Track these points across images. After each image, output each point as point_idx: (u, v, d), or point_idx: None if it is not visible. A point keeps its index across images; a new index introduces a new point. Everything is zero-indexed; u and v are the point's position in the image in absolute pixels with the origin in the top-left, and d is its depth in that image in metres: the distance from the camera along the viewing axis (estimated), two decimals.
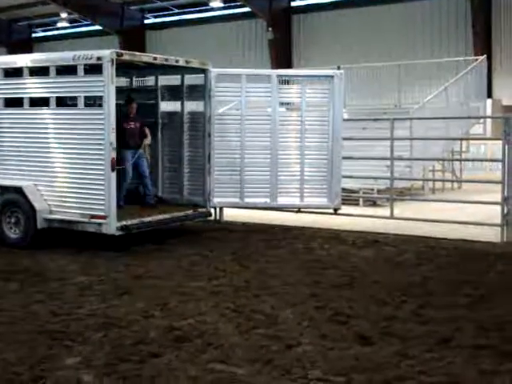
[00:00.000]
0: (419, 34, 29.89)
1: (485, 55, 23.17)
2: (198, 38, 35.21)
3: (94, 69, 10.26)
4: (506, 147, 11.38)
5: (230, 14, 35.96)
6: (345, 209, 12.84)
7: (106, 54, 10.01)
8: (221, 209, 13.19)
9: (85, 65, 10.27)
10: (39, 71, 10.90)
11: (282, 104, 13.24)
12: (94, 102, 10.97)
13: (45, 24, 42.82)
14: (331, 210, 12.64)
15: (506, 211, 11.35)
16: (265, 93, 12.50)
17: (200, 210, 12.02)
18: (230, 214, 13.31)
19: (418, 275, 8.80)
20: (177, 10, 37.99)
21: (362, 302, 7.43)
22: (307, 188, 12.39)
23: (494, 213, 11.61)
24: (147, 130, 12.17)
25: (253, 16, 34.08)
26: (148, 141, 12.17)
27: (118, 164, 11.10)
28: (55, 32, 43.17)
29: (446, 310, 7.12)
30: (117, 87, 10.28)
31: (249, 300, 7.55)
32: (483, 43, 27.85)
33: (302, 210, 13.13)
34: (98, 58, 10.04)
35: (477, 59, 22.31)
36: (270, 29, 32.90)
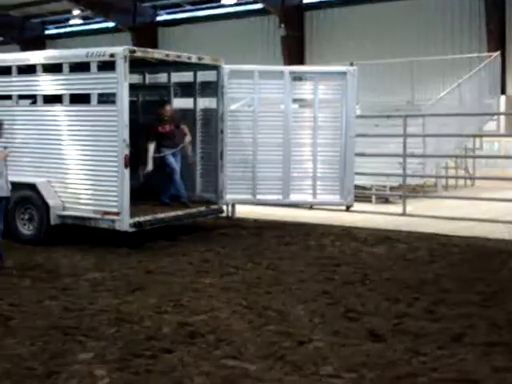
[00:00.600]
0: (432, 31, 29.70)
1: (498, 52, 23.03)
2: (210, 35, 35.19)
3: (107, 66, 10.29)
4: None
5: (242, 11, 35.89)
6: (357, 206, 12.83)
7: (119, 50, 10.04)
8: (233, 205, 13.21)
9: (98, 62, 10.30)
10: (52, 68, 10.95)
11: (294, 101, 13.24)
12: (107, 98, 11.00)
13: (57, 21, 42.90)
14: (344, 207, 12.62)
15: None
16: (277, 89, 12.48)
17: (212, 206, 12.05)
18: (242, 211, 13.33)
19: (431, 272, 8.78)
20: (189, 7, 37.96)
21: (374, 299, 7.43)
22: (320, 185, 12.38)
23: (508, 210, 11.57)
24: (186, 129, 12.13)
25: (265, 12, 34.00)
26: (188, 139, 12.11)
27: (160, 167, 11.61)
28: (68, 29, 43.26)
29: (458, 307, 7.10)
30: (130, 84, 10.32)
31: (261, 296, 7.57)
32: (497, 40, 27.64)
33: (315, 206, 13.13)
34: (111, 55, 10.07)
35: (490, 56, 22.18)
36: (282, 25, 32.80)
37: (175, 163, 11.97)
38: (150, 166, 11.68)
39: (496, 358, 5.55)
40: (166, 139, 11.95)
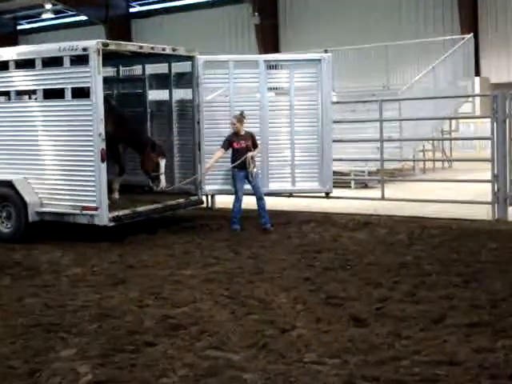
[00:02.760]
0: (406, 14, 29.85)
1: (471, 34, 23.18)
2: (184, 25, 35.05)
3: (81, 60, 10.21)
4: (495, 125, 11.39)
5: (215, 0, 35.77)
6: (336, 192, 12.84)
7: (92, 44, 9.94)
8: (213, 196, 13.19)
9: (71, 56, 10.21)
10: (25, 64, 10.84)
11: (270, 89, 13.20)
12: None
13: (30, 16, 42.54)
14: (323, 194, 12.63)
15: (496, 189, 11.38)
16: (253, 78, 12.43)
17: (192, 198, 12.00)
18: (222, 201, 13.29)
19: (411, 255, 8.83)
20: None
21: (356, 284, 7.47)
22: (298, 173, 12.36)
23: (485, 191, 11.65)
24: (257, 142, 11.45)
25: (238, 1, 33.93)
26: (254, 153, 11.22)
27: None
28: (40, 24, 42.91)
29: (439, 289, 7.16)
30: (104, 77, 10.24)
31: (243, 286, 7.57)
32: (470, 22, 27.82)
33: (294, 194, 13.14)
34: (84, 49, 9.98)
35: (463, 38, 22.31)
36: (256, 13, 32.75)
37: (241, 197, 11.16)
38: (163, 183, 11.24)
39: (477, 338, 5.60)
40: (240, 157, 11.07)
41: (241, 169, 11.12)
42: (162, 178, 11.26)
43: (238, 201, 11.22)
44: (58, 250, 9.84)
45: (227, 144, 11.24)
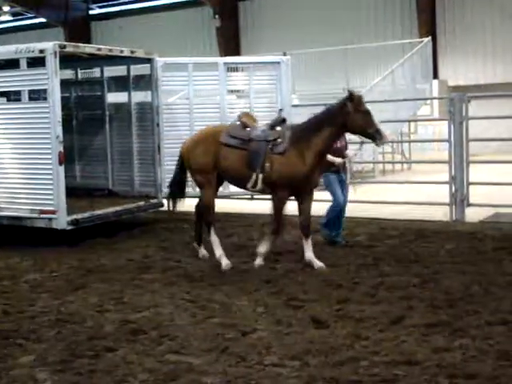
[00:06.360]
0: (365, 18, 30.06)
1: (429, 37, 23.49)
2: (144, 28, 34.84)
3: (38, 62, 10.10)
4: (452, 127, 11.56)
5: (176, 3, 35.62)
6: None
7: (49, 46, 9.85)
8: None
9: (28, 58, 10.10)
10: None
11: (231, 92, 13.20)
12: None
13: None
14: None
15: (453, 190, 11.54)
16: (212, 81, 12.44)
17: (152, 201, 11.94)
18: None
19: (370, 257, 8.90)
20: (122, 0, 37.51)
21: (316, 286, 7.50)
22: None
23: (443, 192, 11.80)
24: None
25: (199, 4, 33.84)
26: (354, 152, 9.92)
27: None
28: None
29: (398, 289, 7.22)
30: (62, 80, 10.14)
31: (204, 289, 7.55)
32: (428, 25, 28.15)
33: (256, 197, 13.13)
34: (41, 51, 9.89)
35: (422, 41, 22.60)
36: (216, 16, 32.72)
37: (340, 199, 9.82)
38: (383, 135, 8.76)
39: (435, 338, 5.67)
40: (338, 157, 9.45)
41: (335, 172, 9.68)
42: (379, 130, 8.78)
43: (337, 206, 9.90)
44: (17, 255, 9.70)
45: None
